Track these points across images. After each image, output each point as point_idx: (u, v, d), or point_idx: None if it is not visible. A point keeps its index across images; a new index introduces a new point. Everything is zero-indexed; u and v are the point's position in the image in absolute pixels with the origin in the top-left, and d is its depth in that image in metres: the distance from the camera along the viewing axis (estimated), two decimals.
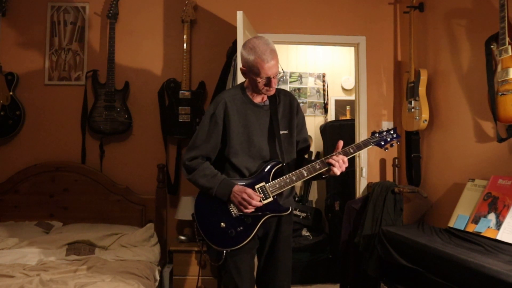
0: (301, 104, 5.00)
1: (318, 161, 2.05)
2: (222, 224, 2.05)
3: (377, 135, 2.14)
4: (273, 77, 2.03)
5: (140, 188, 3.66)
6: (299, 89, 5.09)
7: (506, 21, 2.30)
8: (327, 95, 5.09)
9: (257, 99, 2.16)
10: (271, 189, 2.05)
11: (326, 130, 4.62)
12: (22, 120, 3.60)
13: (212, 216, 2.08)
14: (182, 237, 3.48)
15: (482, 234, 2.32)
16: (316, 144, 5.01)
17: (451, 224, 2.57)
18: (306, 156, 2.33)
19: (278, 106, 2.18)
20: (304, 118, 2.32)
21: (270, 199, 2.05)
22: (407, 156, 3.54)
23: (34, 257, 2.78)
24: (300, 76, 5.11)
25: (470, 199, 2.57)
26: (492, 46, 2.44)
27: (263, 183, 2.05)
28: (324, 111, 5.09)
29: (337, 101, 5.13)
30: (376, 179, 3.72)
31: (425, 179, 3.39)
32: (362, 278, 3.23)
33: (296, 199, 4.73)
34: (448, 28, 3.08)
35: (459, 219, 2.54)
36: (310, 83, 5.11)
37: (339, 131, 4.39)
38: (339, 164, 2.01)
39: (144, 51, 3.74)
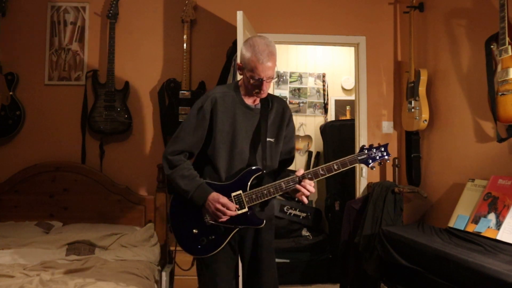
0: (301, 104, 5.06)
1: (299, 175, 1.95)
2: (195, 230, 1.99)
3: (366, 151, 1.98)
4: (266, 80, 1.93)
5: (140, 188, 3.66)
6: (299, 89, 5.09)
7: (506, 21, 2.30)
8: (327, 95, 5.09)
9: (249, 101, 2.05)
10: (247, 199, 1.95)
11: (326, 130, 4.62)
12: (22, 120, 3.59)
13: (185, 221, 2.02)
14: None
15: (482, 234, 2.32)
16: (316, 144, 5.01)
17: (451, 224, 2.57)
18: (289, 168, 2.22)
19: (269, 112, 2.07)
20: (294, 131, 2.21)
21: (245, 210, 1.94)
22: (407, 156, 3.54)
23: (34, 257, 2.77)
24: (300, 76, 5.11)
25: (470, 199, 2.57)
26: (492, 46, 2.44)
27: (239, 192, 1.95)
28: (324, 111, 5.09)
29: (337, 101, 5.13)
30: (376, 179, 3.72)
31: (425, 179, 3.39)
32: (362, 278, 3.23)
33: (296, 199, 4.72)
34: (448, 28, 3.08)
35: (459, 219, 2.54)
36: (310, 83, 5.11)
37: (339, 131, 4.39)
38: (307, 190, 1.94)
39: (144, 51, 3.74)
